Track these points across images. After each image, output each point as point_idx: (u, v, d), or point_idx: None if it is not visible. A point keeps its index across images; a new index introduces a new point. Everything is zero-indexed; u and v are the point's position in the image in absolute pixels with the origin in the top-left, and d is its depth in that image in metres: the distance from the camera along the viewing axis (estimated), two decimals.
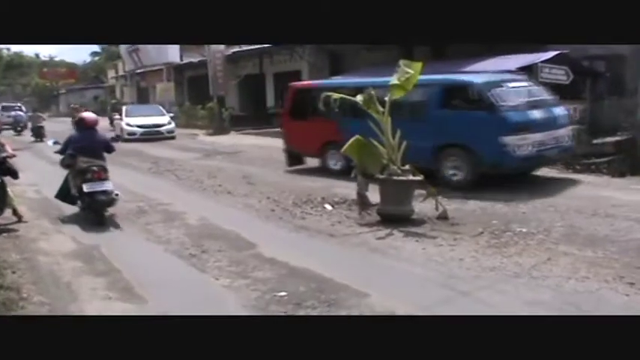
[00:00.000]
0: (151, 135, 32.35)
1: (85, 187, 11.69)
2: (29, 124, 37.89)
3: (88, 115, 13.51)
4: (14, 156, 12.04)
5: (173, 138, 32.78)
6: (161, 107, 37.96)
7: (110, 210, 12.10)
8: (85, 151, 12.26)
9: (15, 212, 11.85)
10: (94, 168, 11.87)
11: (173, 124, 34.28)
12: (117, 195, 12.10)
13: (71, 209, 12.69)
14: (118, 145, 14.04)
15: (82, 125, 13.03)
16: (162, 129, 33.24)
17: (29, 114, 44.04)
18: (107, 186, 11.85)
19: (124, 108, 37.00)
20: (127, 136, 31.12)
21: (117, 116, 36.62)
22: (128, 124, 33.39)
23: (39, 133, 33.86)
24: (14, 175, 11.98)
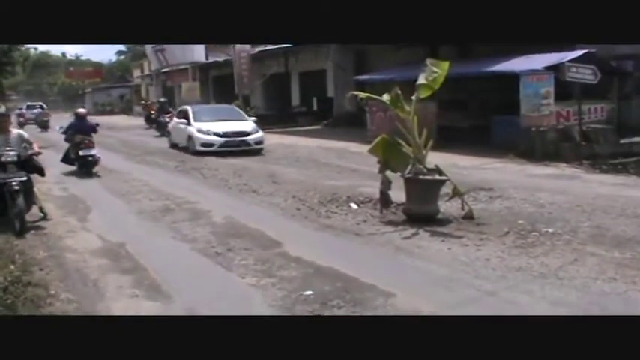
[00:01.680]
0: (235, 146, 23.75)
1: (81, 152, 18.57)
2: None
3: (81, 110, 21.78)
4: (40, 153, 12.27)
5: (260, 151, 24.48)
6: (236, 108, 29.40)
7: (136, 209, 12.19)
8: (80, 131, 19.25)
9: (41, 210, 11.96)
10: (86, 141, 18.73)
11: (261, 133, 25.16)
12: (99, 157, 19.00)
13: (99, 208, 13.02)
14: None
15: (78, 116, 20.40)
16: (248, 139, 24.16)
17: (39, 111, 52.21)
18: (93, 152, 18.79)
19: (189, 109, 27.17)
20: (200, 148, 23.78)
21: (167, 119, 33.54)
22: (201, 131, 24.33)
23: (44, 125, 44.34)
24: (41, 172, 12.27)
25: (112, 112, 78.37)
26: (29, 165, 11.71)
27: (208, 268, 8.89)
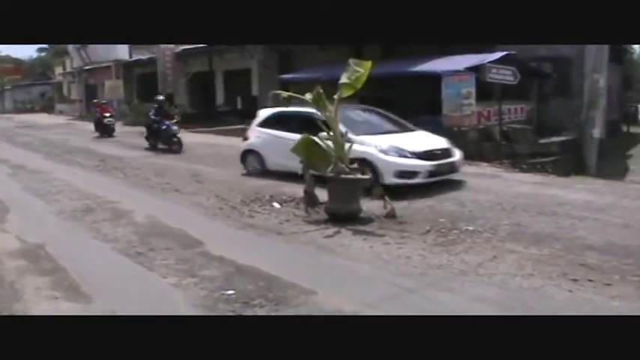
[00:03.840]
0: (445, 173, 14.84)
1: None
2: None
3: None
4: None
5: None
6: (387, 113, 18.37)
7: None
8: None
9: None
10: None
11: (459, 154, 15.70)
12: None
13: (17, 208, 12.74)
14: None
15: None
16: (455, 161, 15.24)
17: None
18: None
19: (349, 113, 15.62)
20: (394, 180, 13.90)
21: (173, 127, 25.18)
22: (387, 152, 14.38)
23: None
24: None
25: (32, 110, 76.73)
26: None
27: (129, 268, 8.75)
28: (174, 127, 25.11)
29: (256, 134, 17.44)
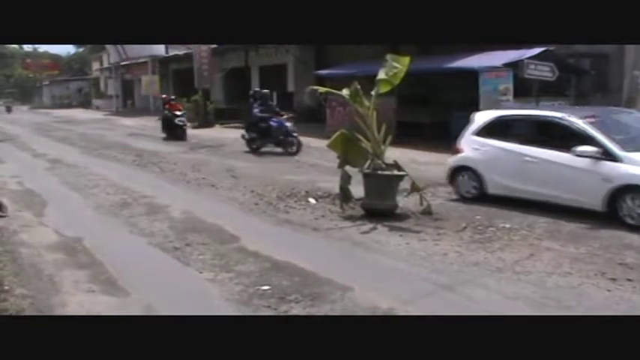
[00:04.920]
0: None
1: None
2: None
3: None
4: None
5: None
6: None
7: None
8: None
9: None
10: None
11: None
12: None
13: (55, 202, 12.84)
14: None
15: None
16: None
17: None
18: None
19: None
20: None
21: (287, 123, 21.59)
22: None
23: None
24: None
25: (69, 106, 77.53)
26: None
27: (166, 262, 8.82)
28: (288, 124, 21.30)
29: (473, 145, 12.87)
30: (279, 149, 21.30)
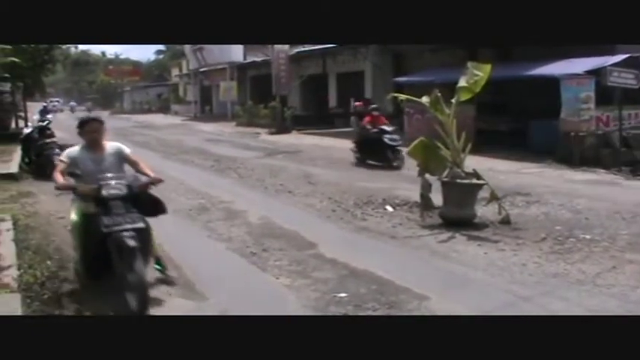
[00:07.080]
0: None
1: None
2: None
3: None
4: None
5: None
6: None
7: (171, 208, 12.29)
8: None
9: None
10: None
11: None
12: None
13: None
14: None
15: None
16: None
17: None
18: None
19: None
20: None
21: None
22: None
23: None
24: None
25: (149, 111, 79.16)
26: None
27: (243, 267, 8.90)
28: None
29: None
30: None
